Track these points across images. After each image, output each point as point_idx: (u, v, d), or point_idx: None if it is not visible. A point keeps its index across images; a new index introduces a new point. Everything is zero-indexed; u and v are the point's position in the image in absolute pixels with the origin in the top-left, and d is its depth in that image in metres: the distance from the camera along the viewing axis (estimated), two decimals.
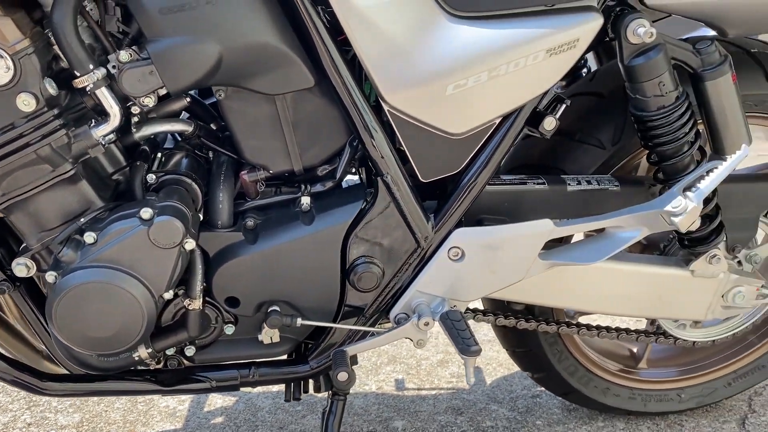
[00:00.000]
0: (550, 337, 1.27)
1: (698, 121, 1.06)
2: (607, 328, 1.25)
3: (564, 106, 1.02)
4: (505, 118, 1.00)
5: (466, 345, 0.96)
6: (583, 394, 1.36)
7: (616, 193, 1.10)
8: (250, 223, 1.02)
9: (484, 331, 1.76)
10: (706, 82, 0.99)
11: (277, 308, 1.03)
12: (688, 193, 0.97)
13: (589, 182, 1.10)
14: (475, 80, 0.93)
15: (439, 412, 1.47)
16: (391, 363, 1.68)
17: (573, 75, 1.37)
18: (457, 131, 0.98)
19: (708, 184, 0.97)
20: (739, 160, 0.97)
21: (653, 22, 0.98)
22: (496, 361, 1.69)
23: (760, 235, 1.24)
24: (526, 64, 0.94)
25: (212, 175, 1.02)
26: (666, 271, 1.14)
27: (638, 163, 1.20)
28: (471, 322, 1.11)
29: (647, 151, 1.08)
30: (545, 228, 1.03)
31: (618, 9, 0.98)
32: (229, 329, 1.04)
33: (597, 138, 1.13)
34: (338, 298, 1.05)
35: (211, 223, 1.01)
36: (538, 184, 1.09)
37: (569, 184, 1.10)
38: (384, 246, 1.03)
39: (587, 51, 1.01)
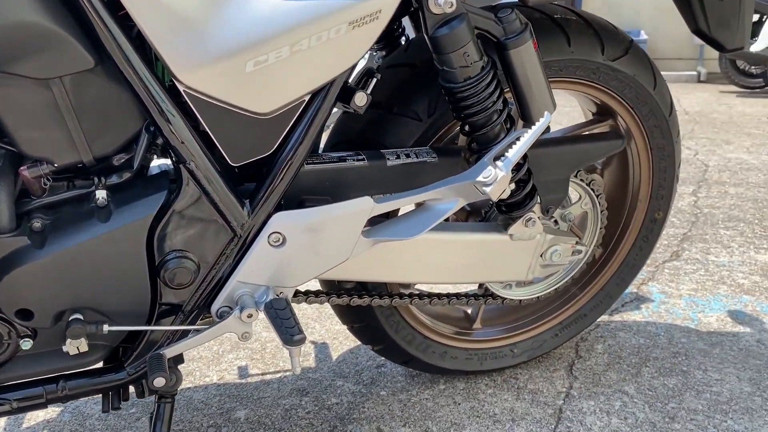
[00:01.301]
0: (385, 309, 1.27)
1: (506, 90, 1.08)
2: (439, 295, 1.27)
3: (375, 80, 0.99)
4: (315, 95, 0.95)
5: (289, 335, 0.92)
6: (422, 360, 1.38)
7: (434, 165, 1.10)
8: (36, 224, 0.91)
9: (327, 305, 1.74)
10: (509, 51, 1.00)
11: (79, 316, 0.93)
12: (498, 163, 0.99)
13: (408, 155, 1.09)
14: (276, 56, 0.88)
15: (283, 396, 1.44)
16: (234, 350, 1.62)
17: (392, 45, 1.35)
18: (264, 111, 0.92)
19: (515, 152, 0.99)
20: (542, 127, 0.99)
21: None
22: (342, 334, 1.68)
23: (573, 195, 1.31)
24: (329, 38, 0.89)
25: None
26: (486, 237, 1.16)
27: (457, 133, 1.21)
28: (304, 304, 1.07)
29: (456, 119, 1.09)
30: (366, 206, 1.01)
31: None
32: (26, 344, 0.93)
33: (413, 110, 1.12)
34: (150, 297, 0.97)
35: None
36: (358, 160, 1.06)
37: (388, 159, 1.08)
38: (196, 237, 0.96)
39: (393, 22, 0.98)
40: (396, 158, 1.08)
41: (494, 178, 0.98)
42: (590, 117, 1.37)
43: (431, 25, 0.96)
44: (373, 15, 0.90)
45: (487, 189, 0.98)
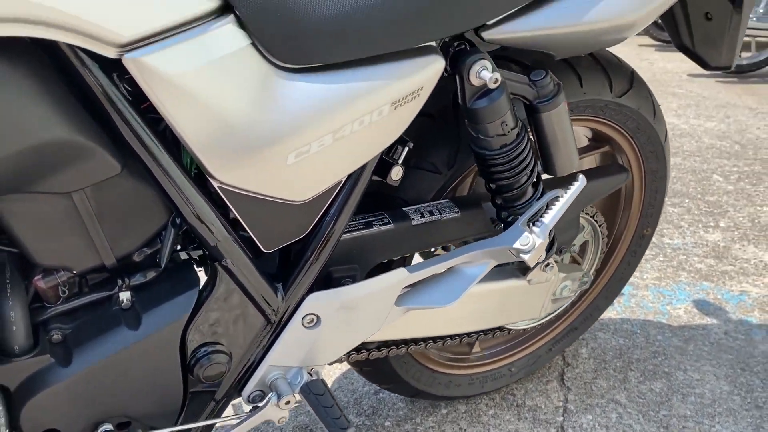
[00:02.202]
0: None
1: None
2: (451, 336, 1.26)
3: (407, 148, 0.94)
4: (351, 173, 0.89)
5: (338, 427, 0.89)
6: (429, 393, 1.38)
7: (457, 219, 1.07)
8: (56, 336, 0.82)
9: None
10: (541, 114, 0.97)
11: (108, 426, 0.86)
12: (534, 228, 0.97)
13: (431, 212, 1.05)
14: (319, 145, 0.81)
15: None
16: None
17: None
18: (301, 199, 0.85)
19: (551, 218, 0.97)
20: (578, 191, 0.98)
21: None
22: None
23: None
24: (372, 121, 0.83)
25: None
26: (506, 285, 1.15)
27: (473, 179, 1.18)
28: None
29: (483, 178, 1.06)
30: (400, 277, 0.97)
31: (456, 46, 0.90)
32: None
33: (432, 163, 1.08)
34: (182, 394, 0.90)
35: (4, 350, 0.79)
36: (383, 224, 1.01)
37: (413, 219, 1.04)
38: (229, 328, 0.90)
39: None
40: (420, 217, 1.04)
41: (532, 245, 0.96)
42: (585, 143, 1.36)
43: (469, 95, 0.91)
44: (414, 93, 0.84)
45: (526, 256, 0.96)
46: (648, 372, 1.60)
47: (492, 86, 0.88)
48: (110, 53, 0.68)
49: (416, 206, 1.06)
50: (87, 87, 0.70)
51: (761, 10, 4.35)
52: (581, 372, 1.60)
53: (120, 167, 0.75)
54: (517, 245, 0.96)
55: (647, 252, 2.17)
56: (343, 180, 0.89)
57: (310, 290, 0.95)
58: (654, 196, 1.40)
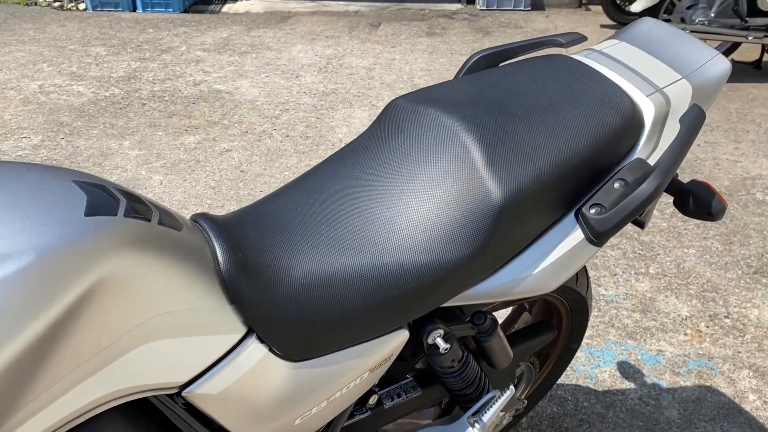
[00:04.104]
0: None
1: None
2: None
3: (376, 396, 1.25)
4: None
5: None
6: None
7: (419, 397, 1.39)
8: None
9: None
10: (482, 344, 1.28)
11: None
12: (476, 425, 1.30)
13: (399, 395, 1.37)
14: (317, 409, 1.11)
15: None
16: None
17: None
18: None
19: (489, 416, 1.30)
20: (507, 399, 1.30)
21: None
22: None
23: None
24: (355, 385, 1.13)
25: None
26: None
27: None
28: None
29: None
30: None
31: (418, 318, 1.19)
32: None
33: (401, 355, 1.39)
34: None
35: None
36: (362, 414, 1.33)
37: (386, 403, 1.35)
38: None
39: None
40: (391, 401, 1.36)
41: None
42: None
43: (427, 349, 1.20)
44: (386, 359, 1.14)
45: None
46: None
47: (444, 351, 1.18)
48: (174, 391, 0.96)
49: (387, 390, 1.37)
50: (169, 414, 0.98)
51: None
52: None
53: None
54: None
55: None
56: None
57: None
58: (578, 322, 1.73)
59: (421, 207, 1.13)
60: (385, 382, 1.39)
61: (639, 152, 1.27)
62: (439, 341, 1.18)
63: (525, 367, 1.66)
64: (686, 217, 3.09)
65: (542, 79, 1.31)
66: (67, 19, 6.08)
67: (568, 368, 2.23)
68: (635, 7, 4.49)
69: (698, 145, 3.78)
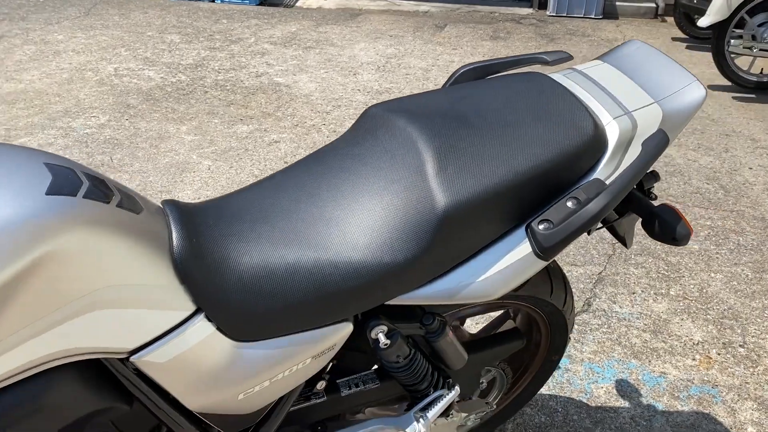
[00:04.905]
0: None
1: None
2: None
3: (324, 382, 1.34)
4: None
5: None
6: None
7: (377, 389, 1.47)
8: None
9: None
10: (431, 343, 1.34)
11: None
12: (421, 420, 1.36)
13: (357, 385, 1.45)
14: (260, 387, 1.21)
15: None
16: None
17: None
18: (248, 412, 1.26)
19: (433, 413, 1.36)
20: (452, 398, 1.36)
21: None
22: None
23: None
24: (297, 369, 1.22)
25: None
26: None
27: None
28: None
29: None
30: None
31: (363, 313, 1.27)
32: None
33: (362, 348, 1.47)
34: None
35: None
36: (319, 398, 1.42)
37: (343, 391, 1.44)
38: None
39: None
40: (348, 389, 1.44)
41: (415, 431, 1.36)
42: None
43: (372, 343, 1.28)
44: (329, 348, 1.23)
45: None
46: None
47: (384, 346, 1.25)
48: (123, 356, 1.08)
49: (347, 379, 1.46)
50: (121, 377, 1.11)
51: None
52: None
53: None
54: (408, 430, 1.36)
55: (593, 320, 2.53)
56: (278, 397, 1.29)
57: None
58: (558, 336, 1.76)
59: (370, 209, 1.21)
60: (348, 371, 1.48)
61: (599, 172, 1.30)
62: (381, 337, 1.25)
63: (497, 374, 1.70)
64: (720, 241, 3.01)
65: (512, 95, 1.36)
66: (151, 6, 6.44)
67: (564, 381, 2.25)
68: (702, 22, 4.36)
69: (750, 169, 3.65)
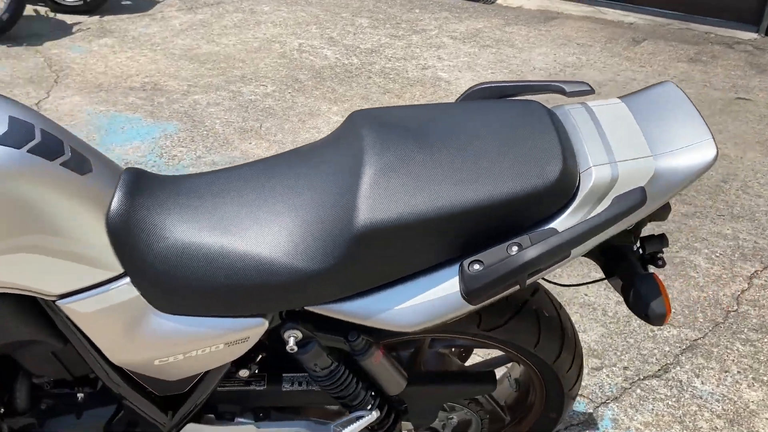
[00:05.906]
0: None
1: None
2: None
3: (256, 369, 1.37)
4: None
5: None
6: None
7: (318, 393, 1.46)
8: None
9: None
10: (358, 362, 1.30)
11: None
12: None
13: (300, 383, 1.46)
14: (174, 359, 1.28)
15: None
16: None
17: None
18: (171, 380, 1.34)
19: (351, 430, 1.33)
20: (368, 421, 1.31)
21: None
22: None
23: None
24: (211, 351, 1.27)
25: None
26: None
27: None
28: None
29: None
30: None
31: (281, 313, 1.27)
32: None
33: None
34: None
35: None
36: (259, 386, 1.45)
37: (284, 386, 1.45)
38: None
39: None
40: (291, 385, 1.46)
41: None
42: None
43: (287, 347, 1.28)
44: (242, 339, 1.25)
45: None
46: None
47: (290, 350, 1.24)
48: (51, 299, 1.20)
49: (293, 375, 1.47)
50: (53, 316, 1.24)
51: None
52: None
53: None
54: None
55: (662, 389, 2.24)
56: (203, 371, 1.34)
57: (197, 418, 1.44)
58: (553, 395, 1.60)
59: (301, 214, 1.20)
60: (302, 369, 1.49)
61: (559, 222, 1.17)
62: (291, 341, 1.25)
63: (471, 417, 1.60)
64: None
65: (493, 122, 1.26)
66: None
67: None
68: None
69: None
